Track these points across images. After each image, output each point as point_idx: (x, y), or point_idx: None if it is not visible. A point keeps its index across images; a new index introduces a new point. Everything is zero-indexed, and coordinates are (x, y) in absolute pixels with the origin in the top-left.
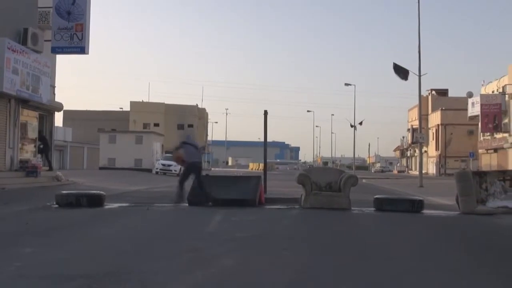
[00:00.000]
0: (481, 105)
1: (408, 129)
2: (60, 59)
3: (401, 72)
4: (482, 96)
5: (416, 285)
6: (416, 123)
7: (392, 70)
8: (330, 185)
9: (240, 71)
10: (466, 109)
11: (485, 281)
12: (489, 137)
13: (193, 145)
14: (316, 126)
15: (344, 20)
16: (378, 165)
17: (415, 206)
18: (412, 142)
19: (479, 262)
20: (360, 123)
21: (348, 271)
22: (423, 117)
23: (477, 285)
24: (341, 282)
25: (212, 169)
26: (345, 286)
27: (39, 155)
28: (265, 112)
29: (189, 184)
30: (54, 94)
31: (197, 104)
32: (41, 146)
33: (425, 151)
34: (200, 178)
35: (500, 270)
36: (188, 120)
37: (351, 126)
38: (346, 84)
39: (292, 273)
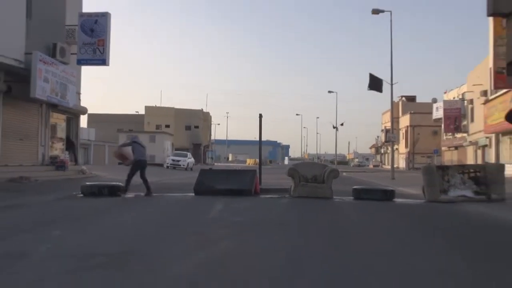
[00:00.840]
0: (444, 109)
1: (382, 130)
2: (85, 69)
3: (376, 84)
4: (444, 101)
5: (390, 256)
6: (388, 125)
7: (369, 80)
8: (315, 177)
9: (239, 80)
10: (431, 113)
11: (443, 254)
12: (450, 137)
13: (142, 145)
14: (304, 127)
15: (327, 37)
16: (356, 160)
17: (388, 195)
18: (385, 141)
19: (440, 241)
20: (341, 125)
21: (332, 252)
22: (394, 120)
23: (434, 257)
24: (325, 261)
25: (215, 164)
26: (328, 265)
27: (66, 152)
28: (260, 116)
29: (194, 176)
30: (80, 99)
31: (202, 109)
32: (68, 149)
33: (396, 149)
34: (145, 175)
35: (455, 244)
36: (194, 122)
37: (333, 127)
38: (330, 92)
39: (284, 254)
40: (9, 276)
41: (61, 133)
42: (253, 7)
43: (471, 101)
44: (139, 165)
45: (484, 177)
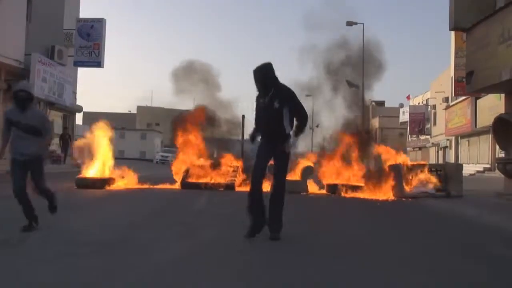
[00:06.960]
0: (410, 113)
1: None
2: (81, 70)
3: (353, 85)
4: (410, 106)
5: (355, 238)
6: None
7: (344, 86)
8: None
9: (224, 84)
10: (398, 116)
11: (406, 237)
12: (415, 138)
13: (24, 125)
14: None
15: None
16: None
17: (358, 191)
18: None
19: (401, 228)
20: (317, 126)
21: (304, 237)
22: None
23: (399, 238)
24: (297, 243)
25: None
26: (300, 246)
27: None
28: (243, 116)
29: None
30: (76, 98)
31: (189, 110)
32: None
33: None
34: (42, 182)
35: (413, 227)
36: None
37: (310, 128)
38: (307, 95)
39: (261, 239)
40: (7, 260)
41: (58, 129)
42: (239, 23)
43: (434, 107)
44: (18, 166)
45: (445, 176)
